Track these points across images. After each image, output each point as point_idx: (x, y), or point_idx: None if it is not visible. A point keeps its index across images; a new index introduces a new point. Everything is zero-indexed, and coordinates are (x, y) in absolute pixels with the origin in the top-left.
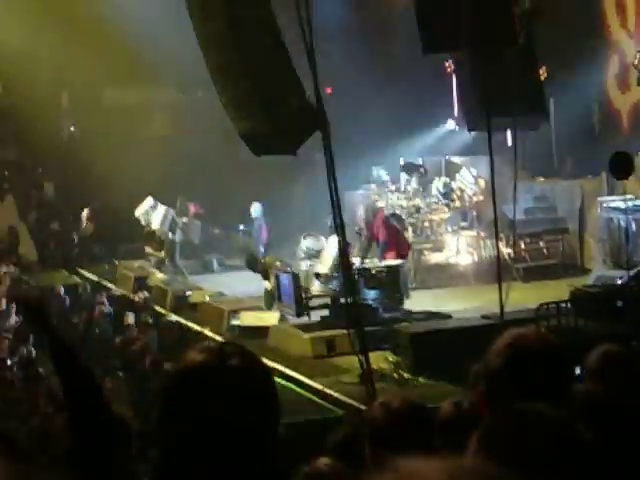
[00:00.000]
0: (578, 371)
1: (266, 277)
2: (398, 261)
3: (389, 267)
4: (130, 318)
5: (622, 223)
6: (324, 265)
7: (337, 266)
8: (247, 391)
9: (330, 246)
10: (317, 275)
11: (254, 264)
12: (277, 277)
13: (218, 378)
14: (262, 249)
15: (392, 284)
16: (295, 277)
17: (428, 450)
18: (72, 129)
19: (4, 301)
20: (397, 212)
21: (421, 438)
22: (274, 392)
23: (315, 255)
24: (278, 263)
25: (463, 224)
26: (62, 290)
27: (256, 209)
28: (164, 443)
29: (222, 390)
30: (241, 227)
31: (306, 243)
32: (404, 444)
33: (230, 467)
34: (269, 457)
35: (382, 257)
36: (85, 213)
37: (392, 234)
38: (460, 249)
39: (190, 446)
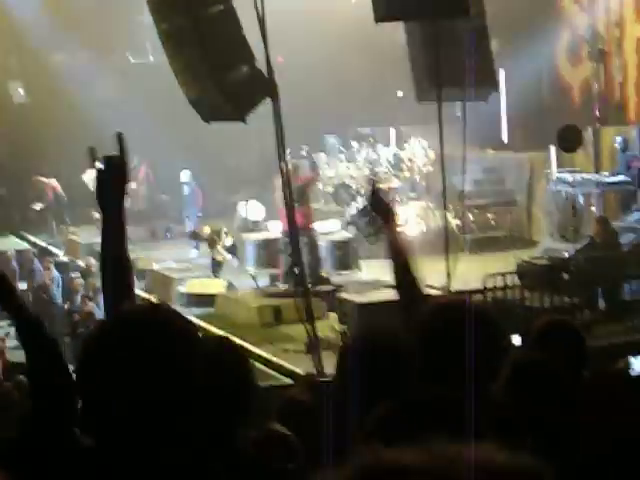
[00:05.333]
0: (519, 341)
1: (212, 246)
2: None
3: None
4: (79, 284)
5: (570, 196)
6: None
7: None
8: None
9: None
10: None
11: (198, 238)
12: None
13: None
14: (198, 214)
15: None
16: None
17: None
18: (21, 92)
19: None
20: (346, 182)
21: None
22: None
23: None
24: (225, 230)
25: (412, 194)
26: (14, 255)
27: (186, 175)
28: (84, 395)
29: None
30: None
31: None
32: None
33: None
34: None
35: None
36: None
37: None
38: (409, 219)
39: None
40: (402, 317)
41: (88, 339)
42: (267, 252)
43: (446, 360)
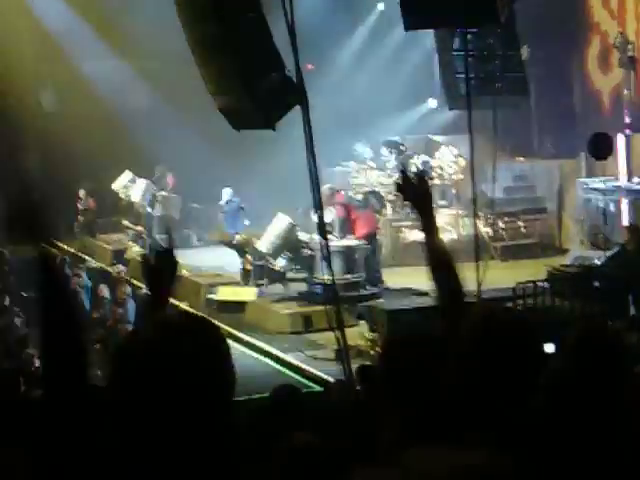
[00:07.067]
0: (552, 349)
1: (242, 255)
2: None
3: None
4: (105, 291)
5: (600, 204)
6: (265, 241)
7: (280, 245)
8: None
9: (276, 224)
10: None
11: (230, 243)
12: None
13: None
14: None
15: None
16: None
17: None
18: (52, 100)
19: None
20: (376, 189)
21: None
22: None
23: None
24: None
25: (442, 202)
26: None
27: (228, 193)
28: (113, 404)
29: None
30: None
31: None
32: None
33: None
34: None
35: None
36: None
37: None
38: (439, 227)
39: (138, 407)
40: (443, 324)
41: (125, 347)
42: (345, 259)
43: (490, 370)
